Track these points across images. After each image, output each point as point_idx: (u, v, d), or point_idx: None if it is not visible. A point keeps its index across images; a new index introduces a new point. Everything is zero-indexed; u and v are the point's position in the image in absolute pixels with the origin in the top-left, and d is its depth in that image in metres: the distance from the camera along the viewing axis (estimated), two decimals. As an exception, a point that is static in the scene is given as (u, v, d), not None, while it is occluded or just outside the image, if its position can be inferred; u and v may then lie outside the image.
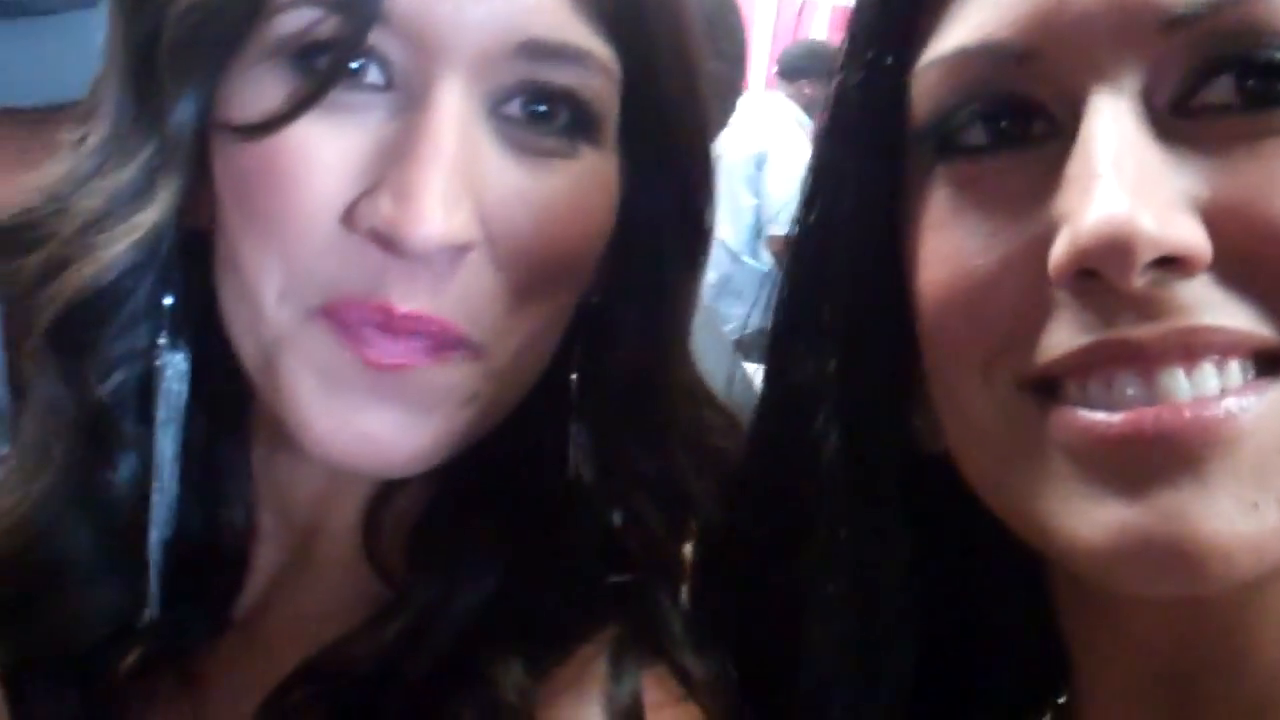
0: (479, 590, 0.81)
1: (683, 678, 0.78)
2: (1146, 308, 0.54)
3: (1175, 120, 0.57)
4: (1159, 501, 0.53)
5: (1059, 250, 0.54)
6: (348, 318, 0.76)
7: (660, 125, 0.83)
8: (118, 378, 0.83)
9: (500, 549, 0.82)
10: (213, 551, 0.89)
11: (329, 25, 0.73)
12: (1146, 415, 0.54)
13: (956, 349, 0.62)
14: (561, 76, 0.77)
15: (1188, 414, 0.54)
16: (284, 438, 0.81)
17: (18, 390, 0.91)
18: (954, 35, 0.62)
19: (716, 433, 0.87)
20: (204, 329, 0.84)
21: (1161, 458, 0.54)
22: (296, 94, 0.74)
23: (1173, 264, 0.54)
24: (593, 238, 0.81)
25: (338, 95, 0.75)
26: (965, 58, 0.62)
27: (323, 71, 0.74)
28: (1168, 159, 0.56)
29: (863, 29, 0.70)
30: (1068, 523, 0.57)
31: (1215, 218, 0.55)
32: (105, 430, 0.84)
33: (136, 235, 0.78)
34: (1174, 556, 0.53)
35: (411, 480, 0.85)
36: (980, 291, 0.60)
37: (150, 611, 0.85)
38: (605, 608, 0.81)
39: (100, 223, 0.78)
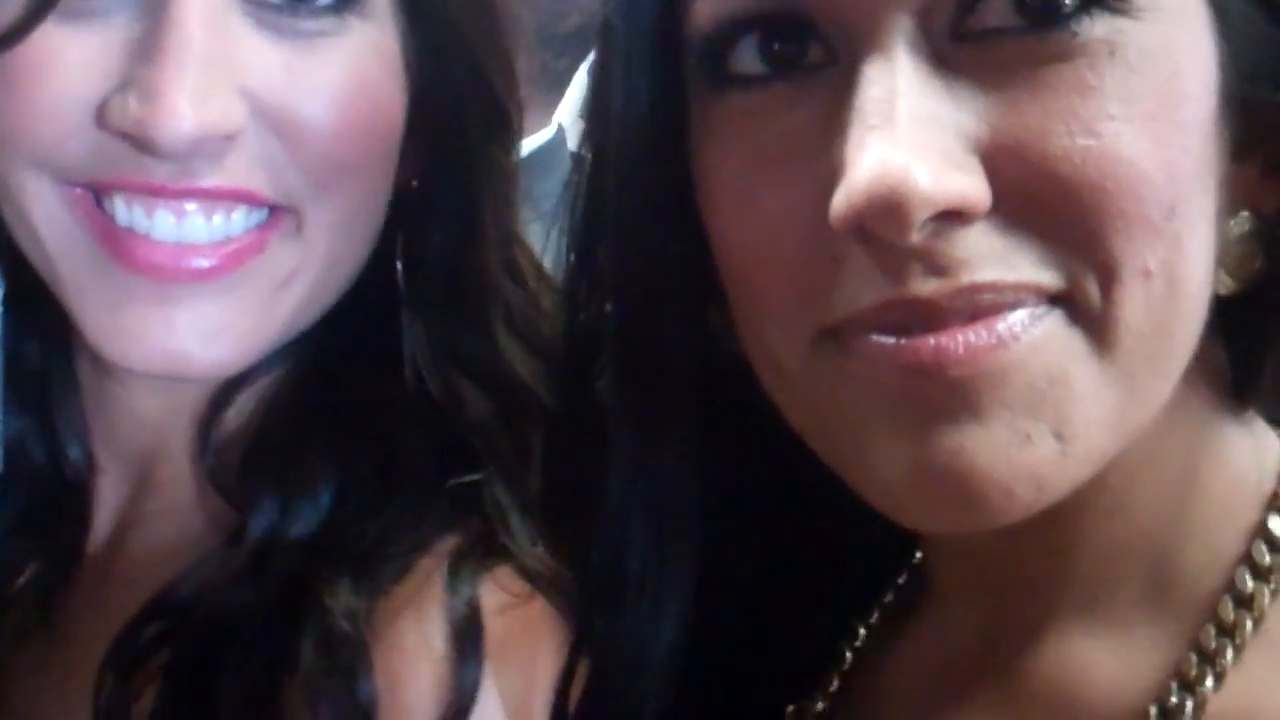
0: (315, 510, 0.79)
1: (527, 575, 0.76)
2: (931, 261, 0.52)
3: (955, 47, 0.53)
4: (941, 439, 0.53)
5: (836, 206, 0.52)
6: (112, 229, 0.74)
7: None
8: None
9: (335, 463, 0.80)
10: (57, 485, 0.88)
11: None
12: (925, 343, 0.53)
13: (755, 298, 0.60)
14: None
15: (960, 339, 0.52)
16: (107, 361, 0.79)
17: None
18: None
19: (548, 313, 0.85)
20: (20, 257, 0.81)
21: (942, 393, 0.53)
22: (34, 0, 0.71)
23: (951, 215, 0.52)
24: (383, 111, 0.78)
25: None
26: None
27: None
28: (945, 98, 0.53)
29: None
30: (866, 462, 0.57)
31: (994, 158, 0.52)
32: None
33: None
34: (957, 493, 0.53)
35: (242, 394, 0.83)
36: (771, 244, 0.57)
37: None
38: (446, 514, 0.78)
39: None
